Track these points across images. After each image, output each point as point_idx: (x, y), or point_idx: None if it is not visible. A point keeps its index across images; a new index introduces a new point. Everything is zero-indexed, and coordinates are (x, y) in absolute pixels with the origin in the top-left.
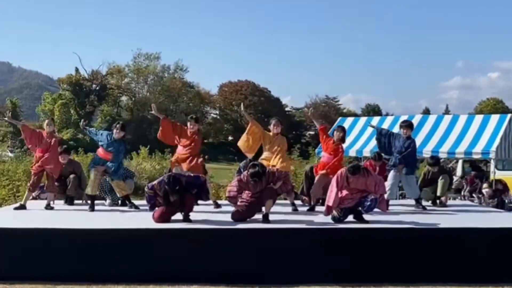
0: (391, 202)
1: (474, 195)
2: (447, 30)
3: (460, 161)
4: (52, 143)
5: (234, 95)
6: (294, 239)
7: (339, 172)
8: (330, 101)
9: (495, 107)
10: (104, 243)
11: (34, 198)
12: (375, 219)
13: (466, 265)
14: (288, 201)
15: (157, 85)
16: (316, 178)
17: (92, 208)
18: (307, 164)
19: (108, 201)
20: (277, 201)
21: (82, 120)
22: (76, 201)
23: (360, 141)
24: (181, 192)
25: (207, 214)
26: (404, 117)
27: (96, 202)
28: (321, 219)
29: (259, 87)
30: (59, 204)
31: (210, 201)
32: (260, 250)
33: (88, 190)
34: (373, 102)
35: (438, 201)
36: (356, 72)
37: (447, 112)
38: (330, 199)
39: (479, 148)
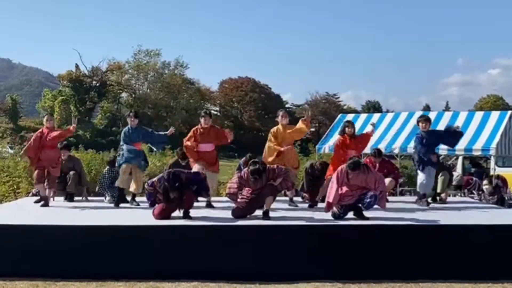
0: (391, 198)
1: (474, 191)
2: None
3: (460, 158)
4: (51, 138)
5: (234, 92)
6: (294, 236)
7: (339, 168)
8: (331, 98)
9: (495, 103)
10: (104, 240)
11: (34, 195)
12: (375, 216)
13: (466, 261)
14: (287, 198)
15: (157, 81)
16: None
17: (117, 203)
18: (307, 161)
19: (107, 197)
20: (278, 198)
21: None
22: (76, 198)
23: None
24: (181, 189)
25: (207, 211)
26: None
27: (96, 198)
28: (321, 216)
29: (260, 83)
30: (59, 200)
31: (211, 198)
32: (260, 246)
33: (118, 183)
34: (373, 99)
35: (438, 197)
36: (356, 69)
37: (447, 108)
38: (330, 196)
39: (479, 145)
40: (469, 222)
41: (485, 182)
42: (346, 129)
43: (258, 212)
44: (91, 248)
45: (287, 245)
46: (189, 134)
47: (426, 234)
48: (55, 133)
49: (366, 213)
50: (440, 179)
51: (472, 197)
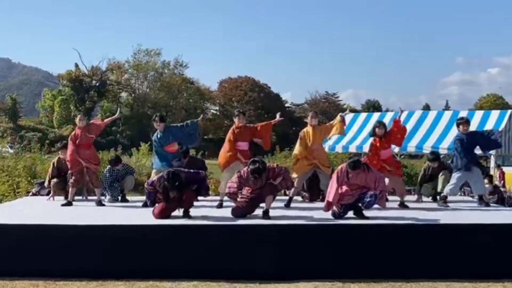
0: (391, 198)
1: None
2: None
3: None
4: (89, 138)
5: (234, 91)
6: (294, 235)
7: (339, 167)
8: (330, 97)
9: (495, 103)
10: (104, 240)
11: (34, 194)
12: (375, 215)
13: (466, 261)
14: (286, 197)
15: (157, 81)
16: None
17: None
18: None
19: (107, 197)
20: (278, 197)
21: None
22: (76, 197)
23: (360, 137)
24: (181, 188)
25: (207, 210)
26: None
27: (96, 198)
28: (321, 215)
29: (259, 83)
30: (59, 200)
31: (210, 197)
32: (261, 246)
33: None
34: (373, 98)
35: (438, 197)
36: (356, 68)
37: (447, 108)
38: (330, 195)
39: None
40: (469, 221)
41: (485, 181)
42: (377, 129)
43: (258, 212)
44: (91, 248)
45: (287, 244)
46: (228, 138)
47: (426, 234)
48: (100, 123)
49: (366, 213)
50: (440, 178)
51: (472, 197)
